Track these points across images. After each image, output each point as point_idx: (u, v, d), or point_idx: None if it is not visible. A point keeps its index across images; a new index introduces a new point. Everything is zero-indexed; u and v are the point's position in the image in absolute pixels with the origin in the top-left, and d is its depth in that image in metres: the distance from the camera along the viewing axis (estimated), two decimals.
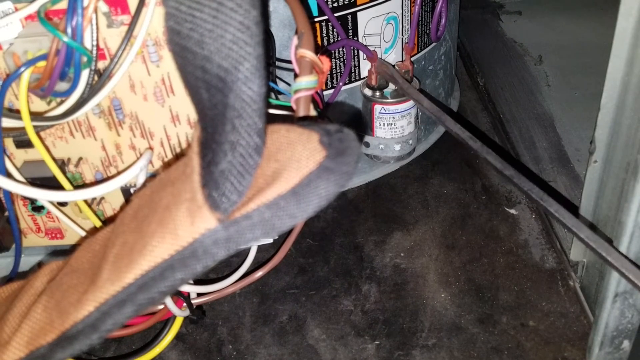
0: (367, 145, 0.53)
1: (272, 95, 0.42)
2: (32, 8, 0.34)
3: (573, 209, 0.43)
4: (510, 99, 0.67)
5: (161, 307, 0.40)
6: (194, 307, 0.41)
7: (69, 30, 0.33)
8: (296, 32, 0.35)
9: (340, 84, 0.50)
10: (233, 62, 0.22)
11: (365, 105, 0.52)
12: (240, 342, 0.44)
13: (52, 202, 0.40)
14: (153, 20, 0.35)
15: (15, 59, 0.33)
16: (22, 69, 0.33)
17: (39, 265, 0.47)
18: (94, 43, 0.34)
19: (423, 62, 0.56)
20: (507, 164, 0.35)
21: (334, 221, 0.54)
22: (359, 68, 0.51)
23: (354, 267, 0.49)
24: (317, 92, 0.42)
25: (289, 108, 0.37)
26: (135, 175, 0.38)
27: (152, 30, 0.36)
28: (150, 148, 0.41)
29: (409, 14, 0.52)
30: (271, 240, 0.47)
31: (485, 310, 0.45)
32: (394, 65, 0.52)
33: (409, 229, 0.52)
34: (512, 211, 0.53)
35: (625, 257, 0.29)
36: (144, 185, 0.38)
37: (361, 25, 0.49)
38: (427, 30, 0.54)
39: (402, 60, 0.53)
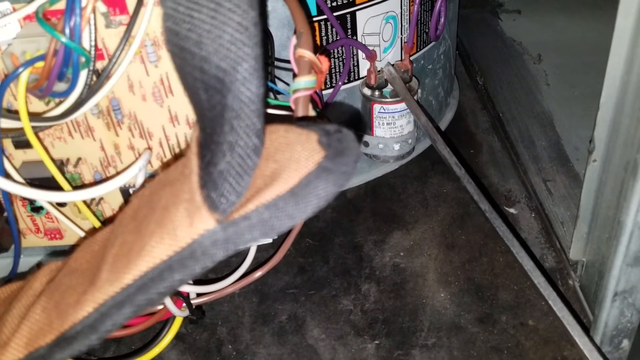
0: (367, 144, 0.53)
1: (271, 95, 0.42)
2: (30, 8, 0.34)
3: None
4: (509, 98, 0.67)
5: (161, 307, 0.40)
6: (194, 307, 0.41)
7: (67, 31, 0.33)
8: (295, 32, 0.35)
9: (340, 83, 0.50)
10: (231, 62, 0.22)
11: (364, 104, 0.51)
12: (240, 342, 0.44)
13: (51, 203, 0.40)
14: (151, 21, 0.35)
15: (14, 60, 0.33)
16: (21, 70, 0.33)
17: (38, 265, 0.47)
18: (92, 43, 0.34)
19: (422, 61, 0.56)
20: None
21: (334, 221, 0.54)
22: (358, 67, 0.51)
23: (354, 267, 0.49)
24: (316, 92, 0.42)
25: (288, 108, 0.37)
26: (134, 175, 0.38)
27: (151, 31, 0.36)
28: (149, 148, 0.41)
29: (407, 13, 0.51)
30: (270, 240, 0.47)
31: (484, 309, 0.45)
32: (393, 65, 0.52)
33: (409, 228, 0.52)
34: (512, 210, 0.53)
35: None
36: (142, 185, 0.38)
37: (360, 25, 0.49)
38: (426, 30, 0.54)
39: (402, 60, 0.53)
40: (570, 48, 0.76)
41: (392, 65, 0.52)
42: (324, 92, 0.50)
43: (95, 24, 0.34)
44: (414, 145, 0.54)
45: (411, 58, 0.53)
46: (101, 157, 0.41)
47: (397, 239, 0.51)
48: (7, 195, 0.41)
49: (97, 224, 0.40)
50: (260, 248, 0.48)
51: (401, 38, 0.52)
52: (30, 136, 0.35)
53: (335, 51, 0.49)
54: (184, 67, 0.24)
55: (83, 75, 0.35)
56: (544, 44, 0.77)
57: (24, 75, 0.33)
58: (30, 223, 0.44)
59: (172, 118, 0.40)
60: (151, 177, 0.40)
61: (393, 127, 0.51)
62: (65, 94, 0.35)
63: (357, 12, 0.48)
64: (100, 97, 0.36)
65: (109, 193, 0.41)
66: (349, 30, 0.49)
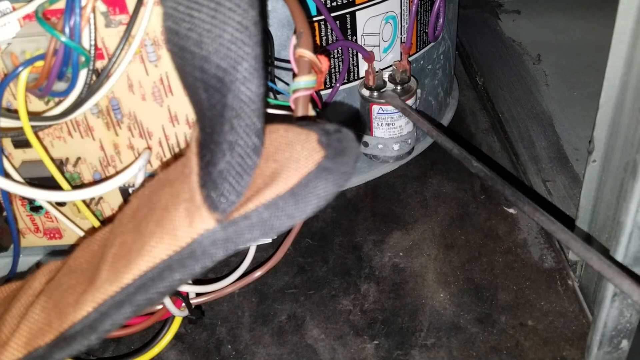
0: (366, 144, 0.53)
1: (271, 95, 0.42)
2: (30, 8, 0.34)
3: (569, 223, 0.44)
4: (509, 98, 0.67)
5: (160, 307, 0.40)
6: (193, 307, 0.41)
7: (67, 30, 0.33)
8: (295, 32, 0.35)
9: (338, 84, 0.50)
10: (231, 62, 0.22)
11: (363, 105, 0.51)
12: (239, 342, 0.44)
13: (50, 202, 0.40)
14: (151, 20, 0.35)
15: (13, 59, 0.33)
16: (20, 69, 0.33)
17: (38, 265, 0.47)
18: (92, 43, 0.34)
19: (422, 62, 0.56)
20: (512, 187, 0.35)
21: (333, 221, 0.54)
22: (358, 67, 0.51)
23: (353, 267, 0.49)
24: (315, 92, 0.42)
25: (288, 108, 0.37)
26: (134, 175, 0.38)
27: (151, 30, 0.36)
28: (149, 148, 0.41)
29: (407, 13, 0.51)
30: (270, 240, 0.47)
31: (484, 309, 0.45)
32: (391, 66, 0.52)
33: (408, 228, 0.52)
34: (511, 210, 0.53)
35: (620, 264, 0.29)
36: (142, 185, 0.38)
37: (360, 25, 0.49)
38: (426, 30, 0.54)
39: (400, 60, 0.53)
40: (570, 48, 0.76)
41: (393, 89, 0.51)
42: (323, 92, 0.50)
43: (95, 24, 0.34)
44: (413, 145, 0.54)
45: (411, 58, 0.53)
46: (101, 157, 0.41)
47: (397, 239, 0.51)
48: (7, 195, 0.41)
49: (97, 224, 0.40)
50: (259, 248, 0.48)
51: (401, 38, 0.52)
52: (30, 135, 0.35)
53: (335, 51, 0.49)
54: (184, 66, 0.24)
55: (83, 74, 0.35)
56: (544, 44, 0.78)
57: (24, 75, 0.33)
58: (29, 222, 0.44)
59: (172, 118, 0.39)
60: (151, 176, 0.40)
61: (392, 128, 0.51)
62: (65, 93, 0.35)
63: (357, 12, 0.48)
64: (99, 97, 0.36)
65: (108, 193, 0.41)
66: (349, 31, 0.49)
